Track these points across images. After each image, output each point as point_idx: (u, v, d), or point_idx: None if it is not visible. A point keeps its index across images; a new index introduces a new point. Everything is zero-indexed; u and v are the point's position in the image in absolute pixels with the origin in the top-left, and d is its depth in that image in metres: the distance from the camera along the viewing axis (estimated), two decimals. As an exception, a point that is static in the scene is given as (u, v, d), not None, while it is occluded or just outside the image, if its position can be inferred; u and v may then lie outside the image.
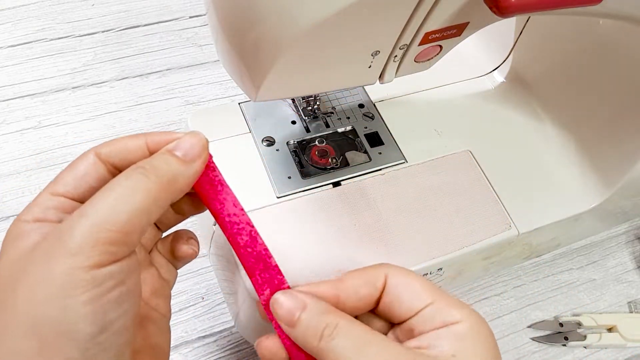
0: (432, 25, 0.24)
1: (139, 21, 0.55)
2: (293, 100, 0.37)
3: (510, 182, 0.36)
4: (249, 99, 0.36)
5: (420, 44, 0.25)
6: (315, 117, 0.37)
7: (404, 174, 0.35)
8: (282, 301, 0.24)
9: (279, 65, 0.22)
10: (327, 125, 0.37)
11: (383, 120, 0.37)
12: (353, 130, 0.37)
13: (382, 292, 0.25)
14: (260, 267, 0.24)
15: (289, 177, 0.34)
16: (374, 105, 0.38)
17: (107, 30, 0.54)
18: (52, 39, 0.52)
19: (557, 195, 0.36)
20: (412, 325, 0.24)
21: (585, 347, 0.39)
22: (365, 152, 0.36)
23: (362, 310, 0.25)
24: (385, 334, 0.25)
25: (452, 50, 0.28)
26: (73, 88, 0.49)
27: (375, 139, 0.37)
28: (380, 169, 0.35)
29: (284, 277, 0.25)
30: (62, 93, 0.49)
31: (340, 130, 0.37)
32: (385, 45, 0.24)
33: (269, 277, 0.24)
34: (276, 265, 0.25)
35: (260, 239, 0.25)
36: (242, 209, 0.24)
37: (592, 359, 0.39)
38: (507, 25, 0.41)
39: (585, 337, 0.39)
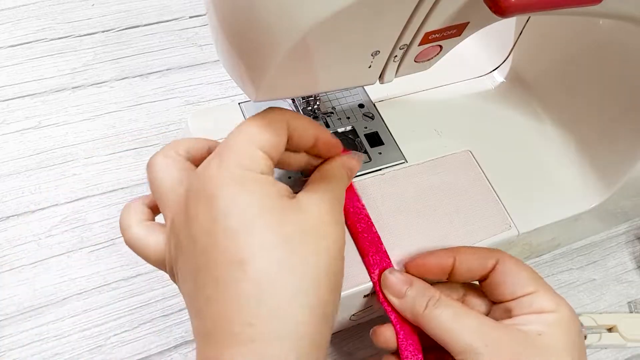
0: (432, 25, 0.24)
1: (139, 21, 0.55)
2: (293, 100, 0.37)
3: (510, 182, 0.36)
4: (249, 99, 0.36)
5: (420, 44, 0.25)
6: (315, 117, 0.37)
7: (404, 174, 0.35)
8: (393, 277, 0.29)
9: (279, 65, 0.22)
10: (327, 125, 0.37)
11: (383, 120, 0.37)
12: (353, 130, 0.37)
13: (489, 272, 0.29)
14: (372, 250, 0.30)
15: (289, 177, 0.33)
16: (374, 105, 0.38)
17: (107, 30, 0.54)
18: (52, 39, 0.52)
19: (557, 195, 0.36)
20: (511, 307, 0.28)
21: (588, 347, 0.39)
22: (365, 152, 0.36)
23: (465, 280, 0.30)
24: (486, 314, 0.29)
25: (452, 50, 0.28)
26: (73, 88, 0.49)
27: (375, 139, 0.37)
28: (380, 169, 0.35)
29: (390, 261, 0.30)
30: (62, 93, 0.49)
31: (340, 130, 0.37)
32: (385, 45, 0.24)
33: (379, 259, 0.30)
34: (385, 251, 0.30)
35: (375, 228, 0.31)
36: (363, 204, 0.31)
37: (592, 359, 0.39)
38: (507, 25, 0.41)
39: (585, 337, 0.39)
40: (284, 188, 0.24)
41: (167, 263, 0.25)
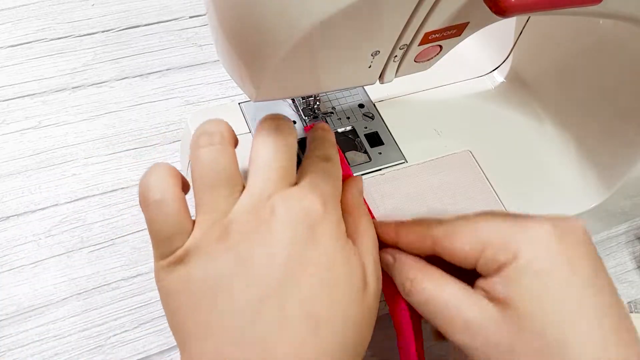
0: (432, 25, 0.24)
1: (139, 21, 0.55)
2: (293, 100, 0.37)
3: (510, 182, 0.36)
4: (249, 99, 0.36)
5: (420, 44, 0.25)
6: (315, 117, 0.37)
7: (404, 174, 0.35)
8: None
9: (279, 65, 0.22)
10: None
11: (383, 120, 0.37)
12: (353, 130, 0.37)
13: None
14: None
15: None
16: (374, 105, 0.38)
17: (107, 30, 0.54)
18: (52, 39, 0.52)
19: (557, 195, 0.36)
20: (479, 273, 0.23)
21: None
22: (365, 152, 0.36)
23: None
24: None
25: (452, 50, 0.28)
26: (73, 88, 0.49)
27: (375, 139, 0.37)
28: (380, 169, 0.35)
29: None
30: (62, 93, 0.49)
31: (340, 130, 0.37)
32: (385, 45, 0.24)
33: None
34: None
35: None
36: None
37: (592, 359, 0.39)
38: (507, 25, 0.41)
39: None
40: None
41: (191, 249, 0.23)
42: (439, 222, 0.25)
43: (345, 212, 0.27)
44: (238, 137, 0.35)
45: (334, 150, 0.28)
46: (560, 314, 0.21)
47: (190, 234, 0.23)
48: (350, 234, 0.26)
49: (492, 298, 0.22)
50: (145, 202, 0.23)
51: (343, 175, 0.30)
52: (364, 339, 0.24)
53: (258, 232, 0.22)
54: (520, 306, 0.21)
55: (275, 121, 0.26)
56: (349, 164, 0.33)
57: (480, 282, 0.23)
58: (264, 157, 0.24)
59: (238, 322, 0.21)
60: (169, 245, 0.23)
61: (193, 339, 0.22)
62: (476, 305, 0.22)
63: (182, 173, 0.26)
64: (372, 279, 0.25)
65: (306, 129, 0.36)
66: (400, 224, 0.27)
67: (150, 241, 0.24)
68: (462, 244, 0.24)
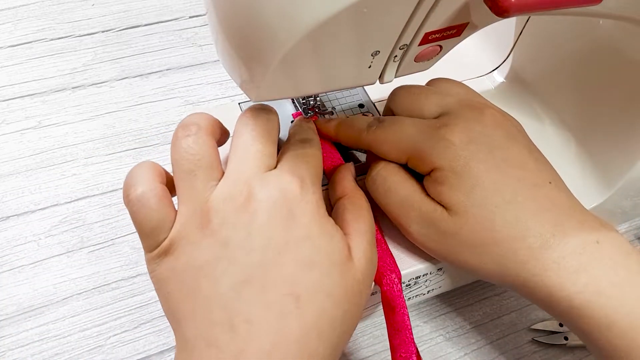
0: (432, 25, 0.24)
1: (139, 21, 0.55)
2: (293, 100, 0.37)
3: (510, 182, 0.36)
4: (249, 99, 0.36)
5: (420, 44, 0.25)
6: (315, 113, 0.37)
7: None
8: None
9: (278, 65, 0.22)
10: (327, 125, 0.37)
11: (383, 120, 0.37)
12: (353, 130, 0.37)
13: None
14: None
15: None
16: (374, 105, 0.38)
17: (107, 30, 0.54)
18: (52, 39, 0.52)
19: (557, 195, 0.36)
20: None
21: (585, 347, 0.39)
22: (365, 152, 0.36)
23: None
24: None
25: (452, 50, 0.28)
26: (73, 88, 0.49)
27: (375, 139, 0.37)
28: (380, 169, 0.35)
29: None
30: (62, 93, 0.49)
31: (340, 130, 0.37)
32: (385, 45, 0.24)
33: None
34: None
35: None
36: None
37: (592, 358, 0.39)
38: (507, 25, 0.41)
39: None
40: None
41: (175, 239, 0.23)
42: (369, 128, 0.30)
43: (341, 195, 0.29)
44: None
45: (312, 134, 0.29)
46: (490, 210, 0.26)
47: (173, 224, 0.24)
48: (345, 216, 0.27)
49: (438, 201, 0.27)
50: (127, 199, 0.24)
51: (335, 164, 0.32)
52: (352, 314, 0.24)
53: (237, 217, 0.23)
54: (459, 210, 0.26)
55: (256, 109, 0.27)
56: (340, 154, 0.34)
57: (425, 184, 0.28)
58: (243, 142, 0.25)
59: (222, 304, 0.22)
60: (154, 238, 0.24)
61: (183, 321, 0.23)
62: (429, 203, 0.27)
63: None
64: (360, 256, 0.25)
65: (294, 115, 0.36)
66: (339, 126, 0.32)
67: None
68: (387, 152, 0.29)
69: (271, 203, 0.23)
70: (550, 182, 0.27)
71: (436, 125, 0.28)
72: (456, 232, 0.26)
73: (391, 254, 0.30)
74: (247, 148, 0.25)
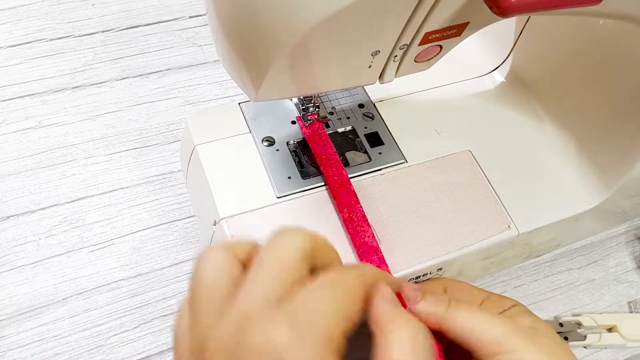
0: (432, 25, 0.24)
1: (139, 21, 0.55)
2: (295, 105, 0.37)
3: (510, 182, 0.36)
4: (249, 99, 0.36)
5: (420, 44, 0.25)
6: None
7: (404, 174, 0.35)
8: (406, 286, 0.26)
9: (278, 65, 0.22)
10: (327, 126, 0.37)
11: (383, 120, 0.37)
12: (353, 130, 0.37)
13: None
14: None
15: (289, 177, 0.33)
16: (374, 105, 0.38)
17: (107, 30, 0.54)
18: (52, 39, 0.52)
19: (557, 195, 0.36)
20: None
21: (585, 347, 0.39)
22: (365, 152, 0.36)
23: None
24: None
25: (452, 50, 0.28)
26: (73, 88, 0.49)
27: (375, 139, 0.37)
28: (380, 169, 0.35)
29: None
30: (62, 93, 0.49)
31: (340, 130, 0.37)
32: (385, 45, 0.24)
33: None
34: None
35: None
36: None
37: (592, 359, 0.39)
38: (507, 25, 0.41)
39: (585, 337, 0.39)
40: None
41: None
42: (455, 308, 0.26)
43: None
44: (238, 137, 0.35)
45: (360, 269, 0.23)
46: None
47: None
48: None
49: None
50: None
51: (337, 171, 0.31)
52: None
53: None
54: (541, 329, 0.26)
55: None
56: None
57: None
58: (267, 267, 0.21)
59: None
60: None
61: None
62: (513, 325, 0.25)
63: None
64: None
65: (298, 118, 0.36)
66: (422, 296, 0.27)
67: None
68: (470, 291, 0.29)
69: (257, 352, 0.19)
70: None
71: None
72: None
73: (385, 262, 0.30)
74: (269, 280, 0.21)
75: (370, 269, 0.24)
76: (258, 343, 0.19)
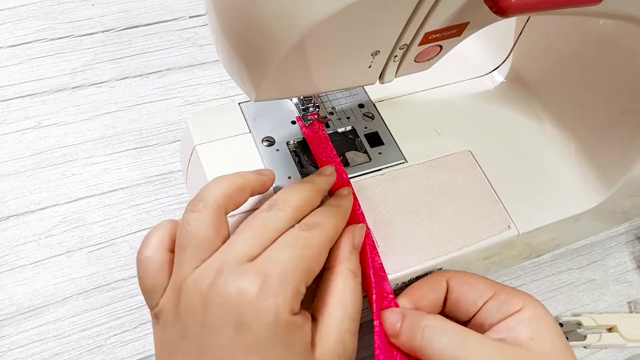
0: (432, 25, 0.24)
1: (139, 21, 0.55)
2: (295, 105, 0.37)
3: (510, 182, 0.36)
4: (249, 99, 0.36)
5: (420, 44, 0.25)
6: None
7: (404, 174, 0.35)
8: (386, 317, 0.27)
9: (278, 65, 0.22)
10: (327, 126, 0.37)
11: (383, 120, 0.37)
12: (353, 130, 0.37)
13: (446, 295, 0.29)
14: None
15: (289, 177, 0.34)
16: (374, 105, 0.38)
17: (107, 30, 0.54)
18: (52, 39, 0.52)
19: (557, 195, 0.36)
20: (481, 320, 0.28)
21: (585, 347, 0.39)
22: (365, 152, 0.36)
23: (432, 313, 0.28)
24: None
25: (452, 50, 0.28)
26: (73, 88, 0.49)
27: (375, 139, 0.37)
28: (380, 169, 0.35)
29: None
30: (62, 93, 0.49)
31: (340, 130, 0.37)
32: (385, 45, 0.24)
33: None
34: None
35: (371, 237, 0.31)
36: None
37: (592, 359, 0.39)
38: (507, 25, 0.41)
39: (585, 337, 0.39)
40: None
41: (160, 309, 0.25)
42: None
43: (331, 265, 0.27)
44: (238, 137, 0.35)
45: (326, 218, 0.27)
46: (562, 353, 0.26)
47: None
48: (327, 297, 0.26)
49: (511, 341, 0.26)
50: (137, 256, 0.26)
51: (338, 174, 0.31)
52: None
53: (195, 307, 0.23)
54: (539, 346, 0.26)
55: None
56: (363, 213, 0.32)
57: (495, 329, 0.27)
58: (248, 223, 0.25)
59: None
60: (151, 300, 0.25)
61: None
62: (497, 349, 0.25)
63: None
64: (324, 351, 0.24)
65: (298, 118, 0.36)
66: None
67: None
68: (475, 286, 0.28)
69: (223, 303, 0.23)
70: None
71: None
72: None
73: (378, 254, 0.30)
74: (237, 233, 0.25)
75: (334, 217, 0.27)
76: (228, 294, 0.22)
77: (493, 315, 0.27)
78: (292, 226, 0.26)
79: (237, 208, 0.26)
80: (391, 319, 0.27)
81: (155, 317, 0.25)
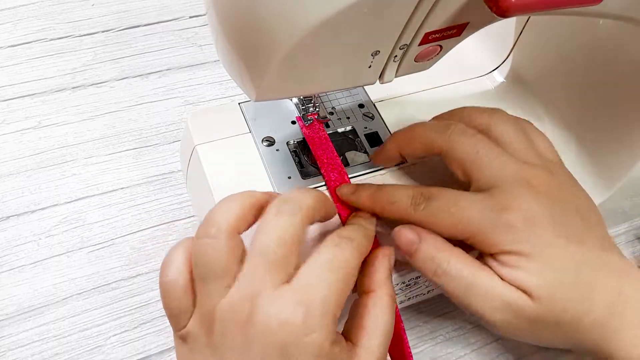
0: (432, 25, 0.24)
1: (139, 21, 0.55)
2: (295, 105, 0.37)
3: (510, 182, 0.36)
4: (249, 99, 0.36)
5: (420, 44, 0.25)
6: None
7: (404, 174, 0.35)
8: (402, 236, 0.28)
9: (278, 65, 0.22)
10: (327, 126, 0.37)
11: (383, 120, 0.37)
12: (353, 130, 0.37)
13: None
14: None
15: (289, 177, 0.34)
16: (374, 105, 0.38)
17: (107, 30, 0.54)
18: (52, 39, 0.52)
19: (557, 195, 0.36)
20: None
21: (585, 347, 0.39)
22: (365, 152, 0.36)
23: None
24: None
25: (452, 50, 0.28)
26: (73, 88, 0.49)
27: (375, 139, 0.37)
28: (380, 169, 0.35)
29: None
30: (62, 93, 0.49)
31: (340, 130, 0.37)
32: (385, 45, 0.24)
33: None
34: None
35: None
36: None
37: (592, 359, 0.39)
38: (507, 25, 0.41)
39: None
40: None
41: (188, 333, 0.25)
42: (416, 207, 0.28)
43: (368, 289, 0.27)
44: (238, 137, 0.35)
45: (358, 230, 0.27)
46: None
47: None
48: (363, 322, 0.25)
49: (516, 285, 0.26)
50: (160, 279, 0.25)
51: (337, 174, 0.31)
52: None
53: (234, 338, 0.23)
54: (540, 295, 0.26)
55: (281, 202, 0.25)
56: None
57: (491, 264, 0.27)
58: (262, 245, 0.24)
59: None
60: (177, 322, 0.25)
61: None
62: (511, 291, 0.26)
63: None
64: None
65: (298, 118, 0.36)
66: (374, 199, 0.29)
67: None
68: (440, 232, 0.28)
69: (267, 335, 0.22)
70: (603, 242, 0.29)
71: (496, 208, 0.27)
72: (542, 316, 0.26)
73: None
74: (265, 255, 0.23)
75: (362, 235, 0.27)
76: (271, 325, 0.22)
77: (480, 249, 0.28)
78: (308, 225, 0.25)
79: (249, 228, 0.25)
80: (406, 238, 0.28)
81: (182, 339, 0.25)
